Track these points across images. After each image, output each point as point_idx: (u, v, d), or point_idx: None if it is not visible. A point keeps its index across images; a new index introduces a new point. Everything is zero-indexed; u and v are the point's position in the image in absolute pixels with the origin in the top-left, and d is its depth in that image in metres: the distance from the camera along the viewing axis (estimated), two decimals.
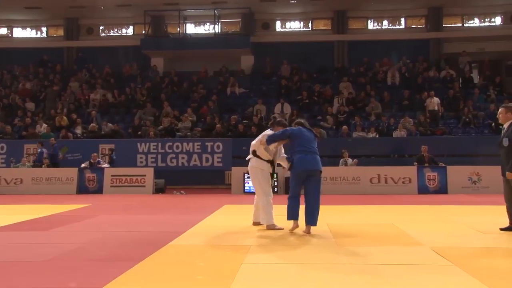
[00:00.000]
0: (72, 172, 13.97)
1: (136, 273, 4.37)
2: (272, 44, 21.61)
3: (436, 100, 17.22)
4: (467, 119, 16.57)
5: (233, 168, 13.86)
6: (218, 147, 14.79)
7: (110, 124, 16.94)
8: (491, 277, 4.10)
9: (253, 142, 6.94)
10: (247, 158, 7.04)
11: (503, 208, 8.75)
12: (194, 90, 19.55)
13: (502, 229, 6.40)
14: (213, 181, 15.20)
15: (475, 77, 20.76)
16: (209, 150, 14.78)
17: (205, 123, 17.12)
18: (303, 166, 6.32)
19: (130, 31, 22.89)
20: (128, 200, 11.63)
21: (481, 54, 21.42)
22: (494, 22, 21.65)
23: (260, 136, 6.88)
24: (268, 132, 6.86)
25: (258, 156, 6.87)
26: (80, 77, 20.79)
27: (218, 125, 16.29)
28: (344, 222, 7.35)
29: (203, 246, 5.61)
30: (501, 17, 21.51)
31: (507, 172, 6.27)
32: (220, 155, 14.76)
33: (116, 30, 23.00)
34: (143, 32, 21.53)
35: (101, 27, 22.99)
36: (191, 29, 22.36)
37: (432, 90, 17.99)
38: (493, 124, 16.16)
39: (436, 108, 17.15)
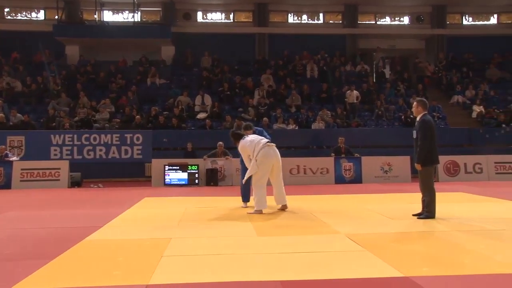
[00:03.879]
0: None
1: (48, 271, 4.14)
2: (193, 35, 21.36)
3: (355, 93, 18.03)
4: (380, 112, 17.50)
5: (153, 160, 13.61)
6: (137, 139, 14.39)
7: (19, 115, 15.86)
8: (401, 261, 4.37)
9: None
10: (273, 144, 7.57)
11: (411, 196, 9.39)
12: (112, 80, 18.87)
13: (414, 215, 6.79)
14: (132, 173, 14.87)
15: (387, 72, 21.97)
16: (128, 142, 14.35)
17: (124, 115, 16.64)
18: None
19: (41, 15, 21.51)
20: (40, 195, 10.99)
21: (392, 51, 22.75)
22: (403, 21, 23.03)
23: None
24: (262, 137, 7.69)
25: None
26: None
27: (137, 117, 15.90)
28: (264, 213, 7.46)
29: (121, 240, 5.45)
30: (409, 17, 22.94)
31: (415, 163, 6.69)
32: (140, 147, 14.38)
33: (24, 13, 21.48)
34: (56, 17, 20.32)
35: (7, 9, 21.37)
36: (108, 16, 21.48)
37: (348, 84, 18.81)
38: (403, 117, 17.21)
39: (355, 101, 17.97)
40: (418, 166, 6.66)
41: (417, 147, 6.67)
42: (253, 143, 7.49)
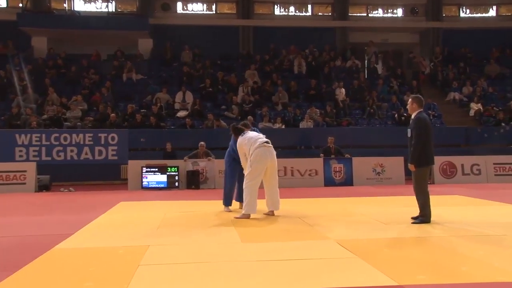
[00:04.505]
0: None
1: (12, 284, 4.06)
2: (172, 27, 21.28)
3: (344, 90, 18.17)
4: (372, 110, 17.63)
5: (129, 161, 13.53)
6: (112, 138, 14.24)
7: None
8: (395, 268, 4.39)
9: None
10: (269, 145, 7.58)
11: (405, 199, 9.45)
12: (85, 76, 18.70)
13: (413, 218, 6.83)
14: (107, 176, 14.78)
15: (380, 68, 22.13)
16: (102, 142, 14.18)
17: (97, 112, 16.50)
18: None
19: (3, 2, 21.15)
20: (4, 200, 10.81)
21: (385, 45, 22.91)
22: (397, 14, 23.25)
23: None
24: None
25: None
26: None
27: (112, 115, 15.78)
28: (249, 218, 7.44)
29: (94, 249, 5.38)
30: (402, 9, 23.17)
31: (408, 164, 6.72)
32: (115, 148, 14.23)
33: None
34: (20, 5, 20.00)
35: None
36: (79, 6, 21.26)
37: (338, 80, 18.90)
38: (396, 115, 17.36)
39: (345, 98, 18.09)
40: (411, 167, 6.69)
41: (411, 146, 6.70)
42: (250, 141, 7.48)
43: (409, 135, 6.73)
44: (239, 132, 7.74)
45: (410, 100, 6.91)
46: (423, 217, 6.72)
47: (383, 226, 6.64)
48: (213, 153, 13.55)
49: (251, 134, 7.67)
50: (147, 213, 8.21)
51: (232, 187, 8.14)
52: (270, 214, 7.63)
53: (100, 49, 20.38)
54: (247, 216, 7.33)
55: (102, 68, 19.55)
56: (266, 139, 7.61)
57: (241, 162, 7.69)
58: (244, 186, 7.48)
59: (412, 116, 6.79)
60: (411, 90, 18.69)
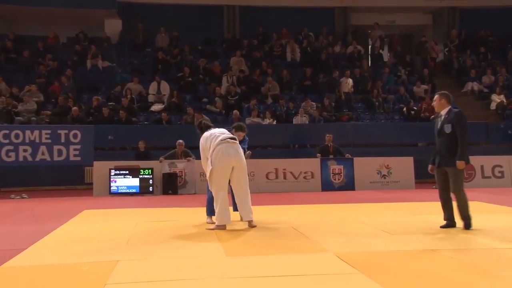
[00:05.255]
0: None
1: None
2: (145, 6, 21.23)
3: (351, 81, 18.21)
4: (377, 103, 17.74)
5: (95, 162, 13.57)
6: (75, 136, 14.18)
7: None
8: (403, 285, 4.42)
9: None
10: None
11: (415, 206, 9.52)
12: (41, 62, 18.60)
13: (442, 227, 7.19)
14: (68, 180, 14.82)
15: (386, 54, 22.24)
16: (62, 140, 14.11)
17: (56, 105, 16.45)
18: None
19: None
20: None
21: (392, 28, 22.98)
22: None
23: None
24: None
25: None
26: None
27: (74, 108, 15.76)
28: (234, 227, 7.46)
29: (52, 266, 5.36)
30: None
31: (457, 161, 6.95)
32: (78, 147, 14.17)
33: None
34: None
35: None
36: None
37: (339, 69, 18.97)
38: (404, 109, 17.47)
39: (351, 90, 18.13)
40: (461, 164, 6.99)
41: (448, 144, 7.07)
42: (210, 137, 7.42)
43: (448, 130, 7.11)
44: (206, 128, 7.70)
45: (437, 96, 7.42)
46: (467, 219, 7.08)
47: (389, 237, 6.70)
48: (193, 153, 13.56)
49: (214, 130, 7.62)
50: (116, 224, 8.21)
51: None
52: (251, 225, 7.51)
53: (58, 30, 20.28)
54: (222, 227, 7.30)
55: (62, 53, 19.48)
56: (231, 135, 7.57)
57: (202, 164, 7.63)
58: (213, 195, 7.46)
59: (443, 112, 7.25)
60: (422, 80, 18.83)
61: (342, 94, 18.17)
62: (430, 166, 7.37)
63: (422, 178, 13.49)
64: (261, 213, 9.02)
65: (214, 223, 7.84)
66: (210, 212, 8.05)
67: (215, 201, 7.38)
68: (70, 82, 17.63)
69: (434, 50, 21.66)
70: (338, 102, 17.94)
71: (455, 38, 22.03)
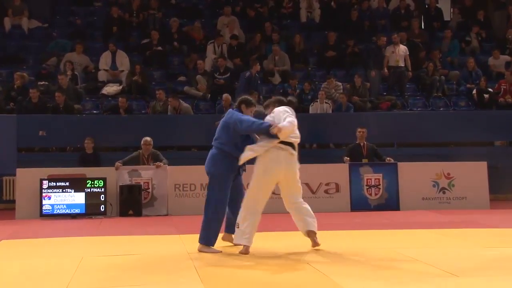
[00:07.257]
0: None
1: None
2: None
3: (403, 49, 18.07)
4: (436, 83, 17.69)
5: (19, 170, 13.59)
6: None
7: None
8: None
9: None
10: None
11: (488, 233, 9.61)
12: None
13: None
14: None
15: (447, 10, 22.20)
16: None
17: None
18: None
19: None
20: None
21: None
22: None
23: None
24: None
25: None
26: None
27: None
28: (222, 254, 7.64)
29: None
30: None
31: None
32: None
33: None
34: None
35: None
36: None
37: (378, 33, 18.94)
38: (474, 92, 17.46)
39: (403, 63, 17.94)
40: None
41: None
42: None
43: None
44: (249, 105, 8.76)
45: None
46: None
47: (449, 279, 6.70)
48: (166, 155, 13.68)
49: (280, 109, 8.88)
50: (51, 260, 8.20)
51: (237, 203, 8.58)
52: (314, 244, 8.54)
53: None
54: (245, 251, 8.06)
55: None
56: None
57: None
58: (243, 205, 8.13)
59: None
60: (502, 48, 18.77)
61: (387, 70, 18.09)
62: None
63: (500, 193, 13.59)
64: (261, 240, 9.14)
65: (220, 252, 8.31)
66: (207, 240, 8.35)
67: (247, 215, 8.18)
68: None
69: None
70: (393, 81, 17.91)
71: None
